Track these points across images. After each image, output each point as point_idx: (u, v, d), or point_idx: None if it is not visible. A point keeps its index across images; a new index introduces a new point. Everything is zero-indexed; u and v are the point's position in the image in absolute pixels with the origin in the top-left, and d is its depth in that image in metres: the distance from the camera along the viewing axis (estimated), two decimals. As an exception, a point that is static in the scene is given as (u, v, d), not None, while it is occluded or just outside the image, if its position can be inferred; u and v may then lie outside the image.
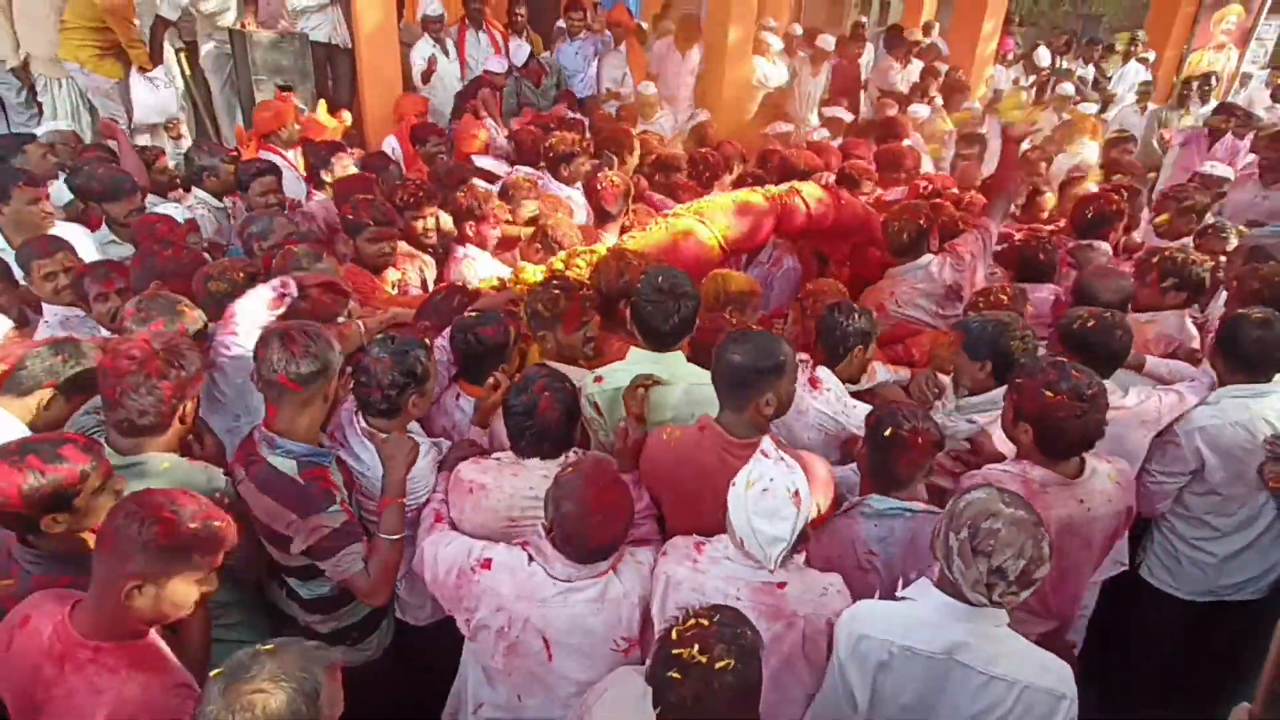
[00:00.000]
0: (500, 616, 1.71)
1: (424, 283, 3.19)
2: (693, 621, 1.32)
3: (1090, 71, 8.88)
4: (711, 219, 2.83)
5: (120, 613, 1.38)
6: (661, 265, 2.37)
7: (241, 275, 2.40)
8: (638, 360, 2.18)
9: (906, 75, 7.45)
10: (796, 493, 1.54)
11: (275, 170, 3.57)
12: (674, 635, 1.32)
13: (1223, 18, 9.10)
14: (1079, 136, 5.96)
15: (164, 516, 1.37)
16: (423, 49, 5.87)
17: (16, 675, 1.38)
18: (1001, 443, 2.12)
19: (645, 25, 7.46)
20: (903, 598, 1.60)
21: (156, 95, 4.84)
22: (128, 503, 1.42)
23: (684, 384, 2.14)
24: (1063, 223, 3.90)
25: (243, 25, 5.20)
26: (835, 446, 2.31)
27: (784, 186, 3.06)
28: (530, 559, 1.71)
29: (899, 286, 2.99)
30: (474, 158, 4.56)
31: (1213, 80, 7.59)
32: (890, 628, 1.55)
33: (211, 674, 1.19)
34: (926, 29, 8.93)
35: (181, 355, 1.76)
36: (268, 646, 1.20)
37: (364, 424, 2.00)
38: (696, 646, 1.28)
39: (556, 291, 2.32)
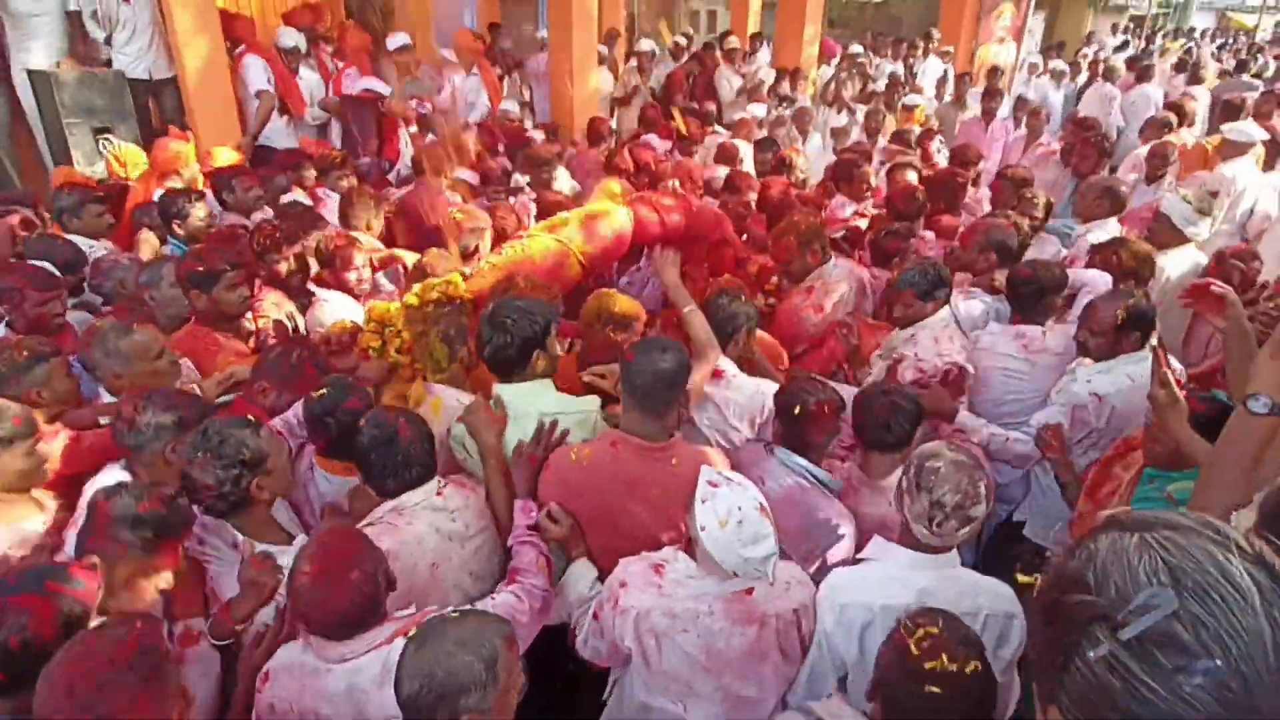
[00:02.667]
0: None
1: (295, 329, 3.01)
2: (921, 633, 1.31)
3: (900, 68, 9.64)
4: (568, 236, 2.83)
5: None
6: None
7: (25, 355, 2.10)
8: (501, 394, 2.12)
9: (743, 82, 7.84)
10: (762, 506, 1.57)
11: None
12: (914, 651, 1.30)
13: (999, 15, 10.16)
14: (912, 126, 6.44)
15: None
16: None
17: None
18: None
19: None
20: (864, 559, 1.75)
21: None
22: None
23: (536, 414, 2.05)
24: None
25: (58, 65, 4.67)
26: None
27: (634, 196, 3.11)
28: (304, 647, 1.54)
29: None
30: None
31: (998, 73, 8.51)
32: (867, 591, 1.68)
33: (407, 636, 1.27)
34: (755, 39, 9.36)
35: None
36: (453, 614, 1.29)
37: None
38: (944, 656, 1.27)
39: (460, 317, 2.28)
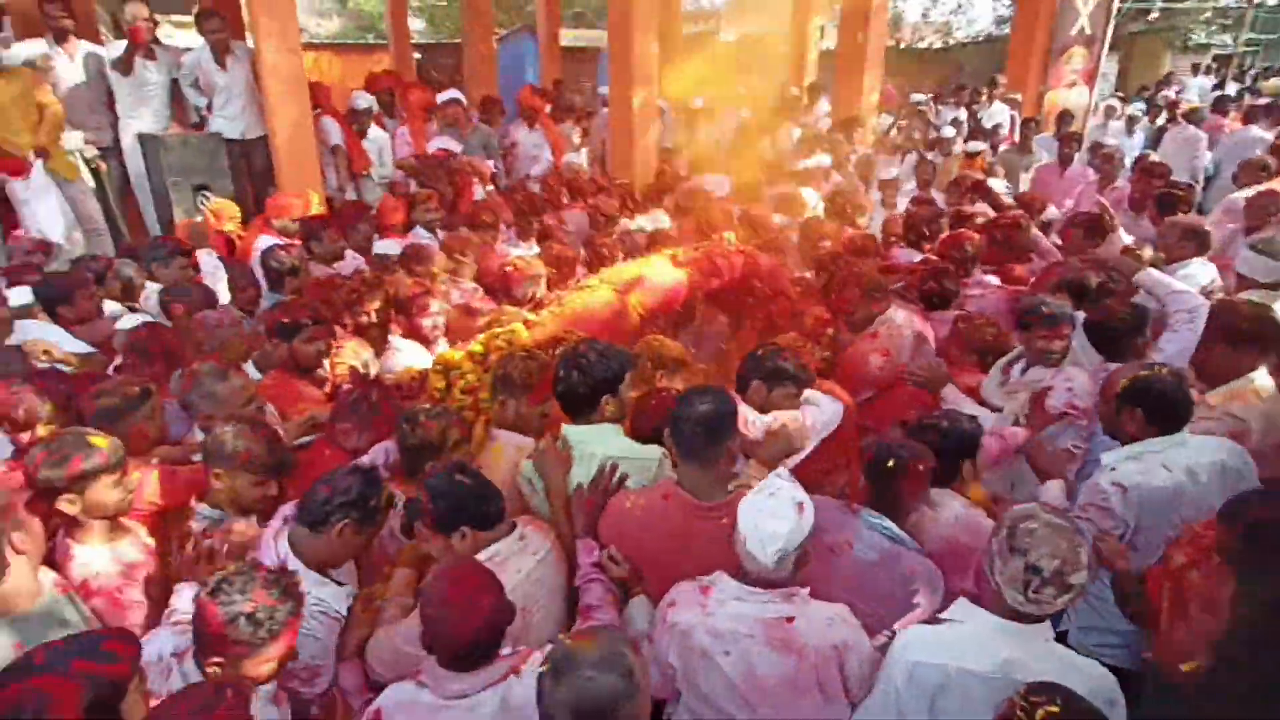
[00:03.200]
0: None
1: (367, 375, 3.10)
2: (1041, 713, 1.25)
3: (963, 114, 9.50)
4: (625, 287, 2.87)
5: None
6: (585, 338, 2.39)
7: (136, 391, 2.26)
8: (568, 434, 2.16)
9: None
10: (801, 505, 1.60)
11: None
12: None
13: (1069, 58, 9.94)
14: (974, 172, 6.30)
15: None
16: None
17: None
18: None
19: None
20: (946, 619, 1.64)
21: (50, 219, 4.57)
22: None
23: (601, 456, 2.09)
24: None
25: (165, 130, 5.12)
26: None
27: (690, 249, 3.14)
28: (419, 685, 1.56)
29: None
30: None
31: (1068, 118, 8.28)
32: (944, 651, 1.57)
33: (540, 669, 1.31)
34: (813, 90, 9.42)
35: None
36: (578, 639, 1.32)
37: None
38: None
39: (533, 361, 2.31)
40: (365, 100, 6.01)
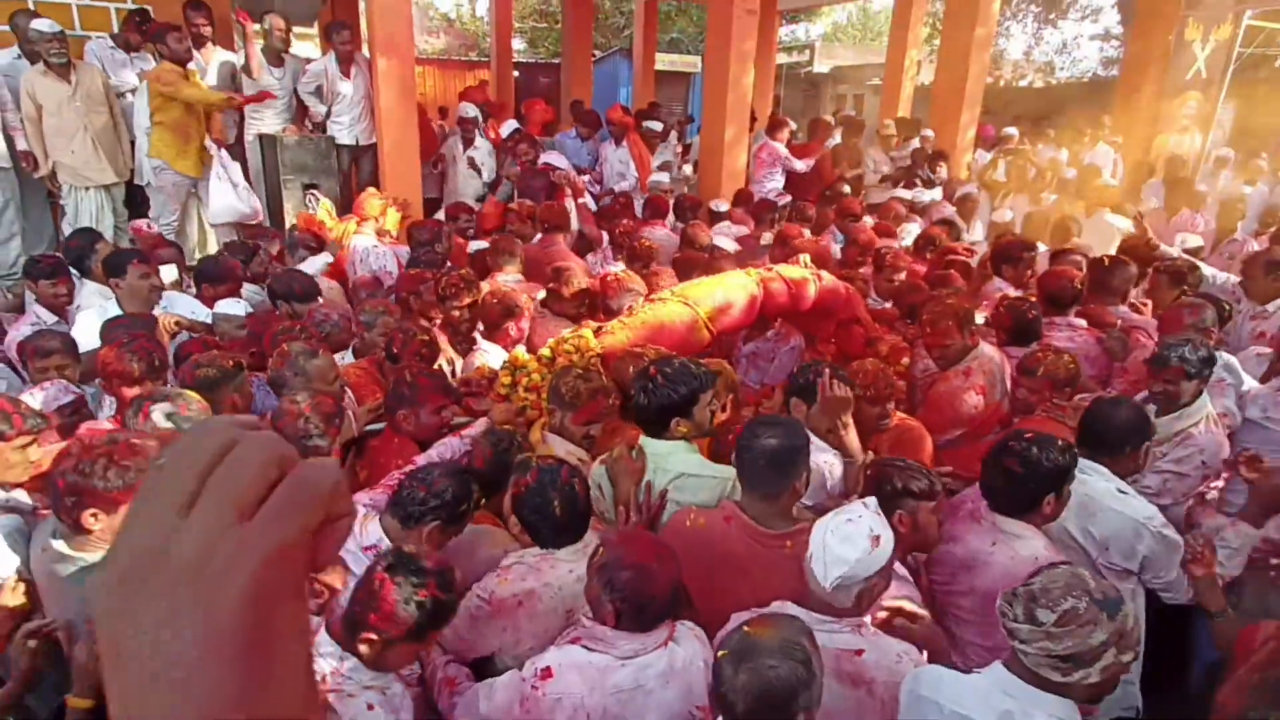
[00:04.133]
0: (579, 718, 1.58)
1: (452, 373, 3.18)
2: None
3: (1064, 154, 9.10)
4: (697, 302, 2.87)
5: None
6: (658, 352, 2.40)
7: (231, 364, 2.42)
8: (644, 445, 2.16)
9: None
10: (878, 537, 1.53)
11: None
12: None
13: (1184, 102, 9.39)
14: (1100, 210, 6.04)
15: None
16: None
17: None
18: None
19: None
20: (973, 671, 1.57)
21: (228, 196, 5.05)
22: None
23: (674, 473, 2.07)
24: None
25: (285, 131, 5.53)
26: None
27: (763, 269, 3.11)
28: (589, 649, 1.60)
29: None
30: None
31: (1179, 163, 7.84)
32: (945, 692, 1.52)
33: (719, 655, 1.34)
34: (904, 124, 9.20)
35: None
36: (758, 627, 1.34)
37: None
38: None
39: (580, 382, 2.32)
40: (472, 109, 6.32)
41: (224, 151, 4.99)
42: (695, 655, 1.66)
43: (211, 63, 5.44)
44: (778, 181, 7.17)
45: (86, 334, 3.00)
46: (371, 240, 4.50)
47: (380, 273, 4.28)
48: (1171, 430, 2.59)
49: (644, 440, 2.16)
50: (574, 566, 1.81)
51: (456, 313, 3.25)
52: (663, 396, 2.09)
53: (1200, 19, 8.98)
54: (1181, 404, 2.58)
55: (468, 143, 6.29)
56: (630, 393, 2.26)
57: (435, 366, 3.07)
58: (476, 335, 3.33)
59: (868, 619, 1.63)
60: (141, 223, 4.94)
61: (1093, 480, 2.13)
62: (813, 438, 2.03)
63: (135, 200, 5.33)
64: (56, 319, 3.35)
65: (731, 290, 2.93)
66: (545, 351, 2.76)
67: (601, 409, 2.34)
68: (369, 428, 2.64)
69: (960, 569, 2.00)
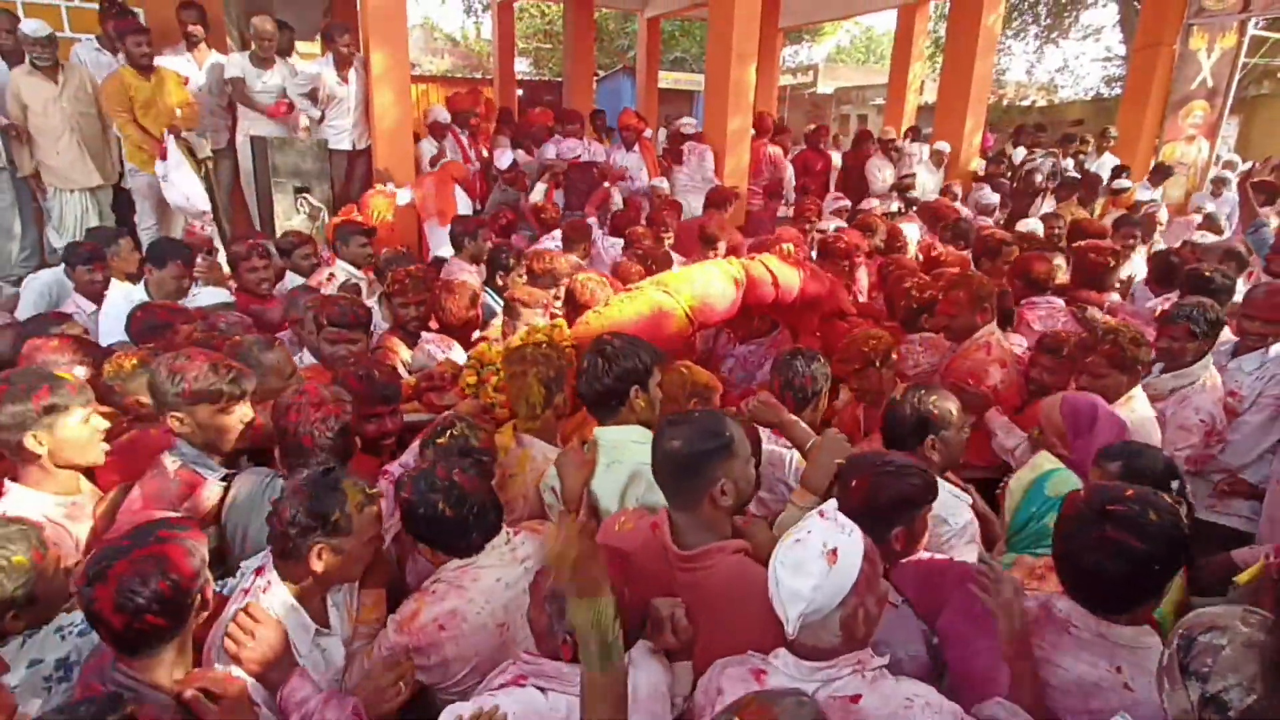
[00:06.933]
0: None
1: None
2: None
3: (1070, 163, 8.86)
4: (677, 290, 2.62)
5: None
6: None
7: (134, 362, 2.22)
8: (599, 436, 1.92)
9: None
10: (833, 551, 1.22)
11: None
12: None
13: (1189, 113, 9.15)
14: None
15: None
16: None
17: None
18: None
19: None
20: None
21: (194, 187, 4.74)
22: None
23: (630, 465, 1.81)
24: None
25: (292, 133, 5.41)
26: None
27: (747, 258, 2.87)
28: (543, 690, 1.32)
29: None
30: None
31: (1164, 171, 7.74)
32: None
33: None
34: (913, 132, 9.07)
35: None
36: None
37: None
38: None
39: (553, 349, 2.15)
40: (445, 115, 6.32)
41: (174, 141, 4.61)
42: (658, 680, 1.40)
43: (204, 65, 5.29)
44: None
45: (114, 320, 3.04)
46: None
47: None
48: (1167, 388, 2.65)
49: (598, 431, 1.92)
50: (501, 574, 1.61)
51: (404, 311, 3.08)
52: (627, 360, 1.87)
53: (1204, 28, 8.73)
54: (1185, 362, 2.63)
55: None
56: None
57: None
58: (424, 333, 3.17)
59: (869, 653, 1.29)
60: (196, 224, 4.83)
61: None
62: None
63: (123, 203, 5.17)
64: (95, 307, 3.40)
65: (713, 278, 2.68)
66: (516, 341, 2.52)
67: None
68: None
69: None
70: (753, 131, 7.01)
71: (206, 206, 4.70)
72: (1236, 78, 9.08)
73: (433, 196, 5.45)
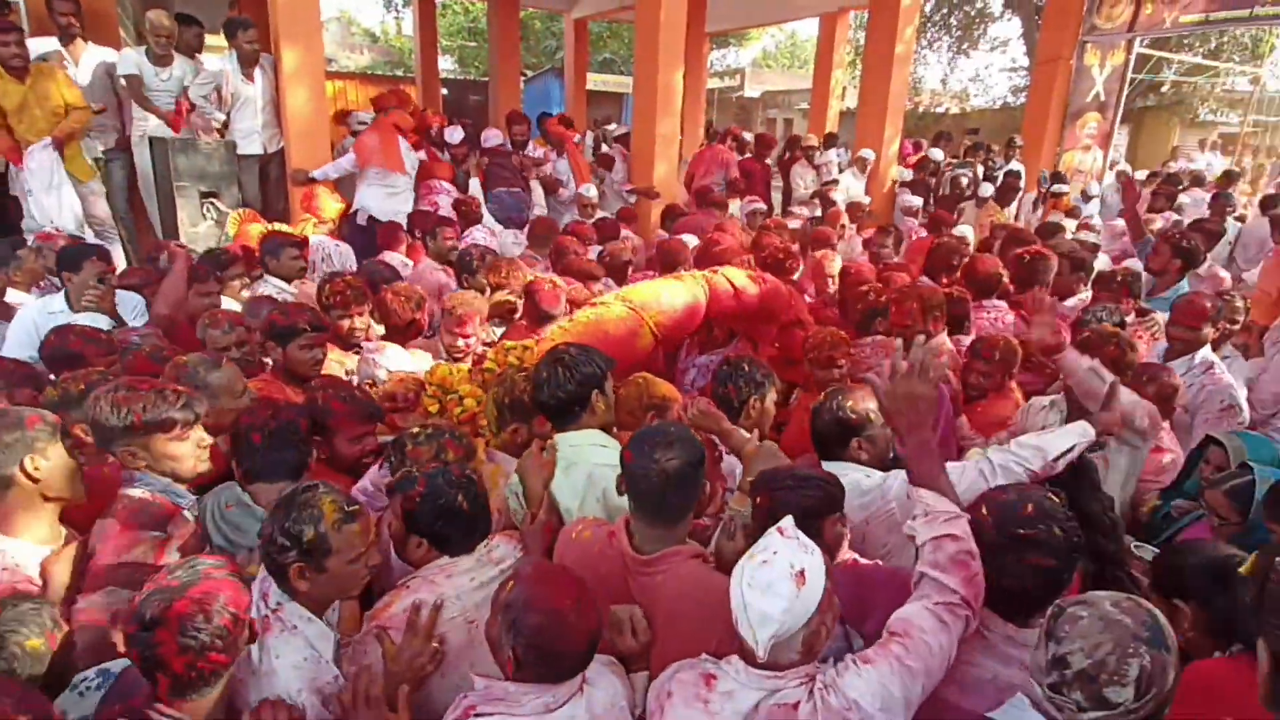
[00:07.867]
0: None
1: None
2: None
3: (981, 170, 9.29)
4: (643, 306, 2.52)
5: None
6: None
7: (83, 387, 1.98)
8: (559, 440, 1.91)
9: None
10: (801, 572, 1.21)
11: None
12: None
13: (1085, 123, 9.79)
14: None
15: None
16: None
17: None
18: None
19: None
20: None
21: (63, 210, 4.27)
22: None
23: (587, 466, 1.82)
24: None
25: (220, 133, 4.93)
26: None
27: (707, 270, 2.80)
28: (487, 717, 1.29)
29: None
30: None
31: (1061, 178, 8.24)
32: None
33: None
34: (830, 139, 9.32)
35: None
36: None
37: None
38: None
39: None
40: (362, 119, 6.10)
41: (45, 152, 4.19)
42: (616, 695, 1.40)
43: (83, 61, 4.74)
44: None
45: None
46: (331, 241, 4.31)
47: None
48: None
49: (558, 436, 1.93)
50: (475, 574, 1.61)
51: (344, 323, 2.88)
52: (584, 366, 1.91)
53: (1097, 45, 9.36)
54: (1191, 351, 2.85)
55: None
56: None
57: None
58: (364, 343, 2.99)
59: (817, 665, 1.29)
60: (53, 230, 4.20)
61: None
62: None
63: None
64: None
65: (676, 293, 2.60)
66: (490, 364, 2.35)
67: None
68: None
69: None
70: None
71: (75, 230, 4.21)
72: (1125, 91, 9.79)
73: (378, 149, 5.17)
